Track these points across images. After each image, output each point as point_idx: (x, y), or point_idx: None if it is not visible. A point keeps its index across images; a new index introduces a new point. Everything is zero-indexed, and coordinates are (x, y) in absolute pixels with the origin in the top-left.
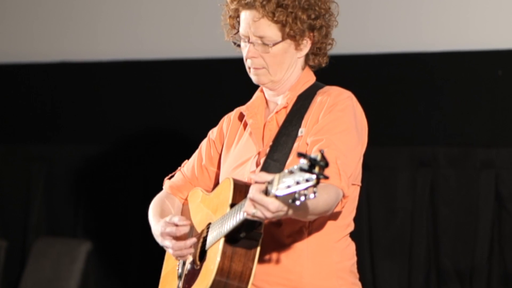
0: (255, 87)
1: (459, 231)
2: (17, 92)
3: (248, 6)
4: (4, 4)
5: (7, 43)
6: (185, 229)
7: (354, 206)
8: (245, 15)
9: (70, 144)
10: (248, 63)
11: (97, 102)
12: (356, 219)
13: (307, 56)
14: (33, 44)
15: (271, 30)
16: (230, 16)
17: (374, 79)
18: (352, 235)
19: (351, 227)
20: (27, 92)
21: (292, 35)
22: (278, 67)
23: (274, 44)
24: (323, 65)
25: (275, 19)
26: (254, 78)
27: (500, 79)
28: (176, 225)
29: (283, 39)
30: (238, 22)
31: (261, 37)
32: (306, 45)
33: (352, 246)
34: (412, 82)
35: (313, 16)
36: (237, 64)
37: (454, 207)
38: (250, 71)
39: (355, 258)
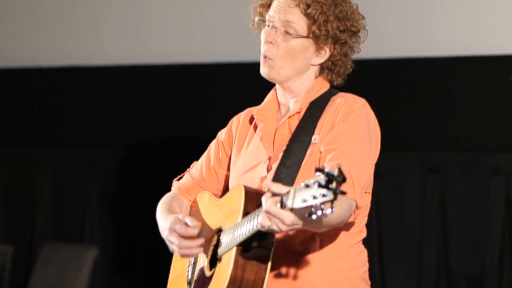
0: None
1: (469, 237)
2: (23, 97)
3: None
4: (9, 9)
5: (12, 47)
6: (194, 231)
7: (366, 213)
8: (279, 1)
9: (76, 149)
10: (262, 50)
11: (102, 106)
12: (365, 225)
13: (322, 69)
14: (38, 48)
15: (299, 22)
16: (261, 5)
17: (384, 83)
18: (362, 240)
19: (363, 233)
20: (33, 97)
21: (317, 35)
22: (288, 62)
23: (297, 36)
24: (335, 83)
25: (308, 11)
26: (261, 70)
27: (511, 84)
28: (187, 225)
29: (307, 35)
30: (267, 11)
31: (286, 26)
32: (324, 55)
33: (364, 253)
34: (422, 87)
35: (342, 28)
36: (242, 68)
37: (464, 213)
38: (261, 62)
39: (367, 266)
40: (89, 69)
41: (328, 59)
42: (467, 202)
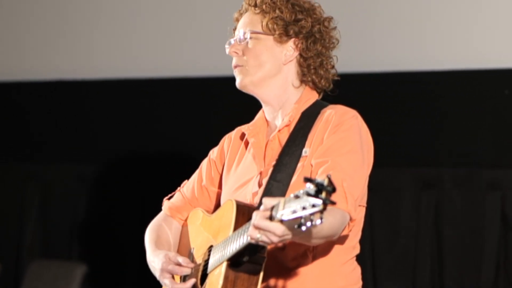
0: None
1: (464, 253)
2: (11, 111)
3: (245, 11)
4: None
5: (0, 61)
6: (187, 271)
7: (359, 228)
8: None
9: (65, 164)
10: (233, 62)
11: (92, 120)
12: (359, 241)
13: (303, 75)
14: (26, 62)
15: (253, 22)
16: (234, 28)
17: (378, 98)
18: (355, 256)
19: (357, 249)
20: (21, 111)
21: (270, 27)
22: (257, 64)
23: (253, 33)
24: (319, 85)
25: (258, 9)
26: (236, 82)
27: (507, 98)
28: (179, 265)
29: (263, 30)
30: None
31: (242, 32)
32: (292, 51)
33: (358, 270)
34: (417, 101)
35: (299, 17)
36: (234, 82)
37: (459, 229)
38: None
39: (360, 283)
40: (78, 83)
41: (300, 56)
42: (462, 218)
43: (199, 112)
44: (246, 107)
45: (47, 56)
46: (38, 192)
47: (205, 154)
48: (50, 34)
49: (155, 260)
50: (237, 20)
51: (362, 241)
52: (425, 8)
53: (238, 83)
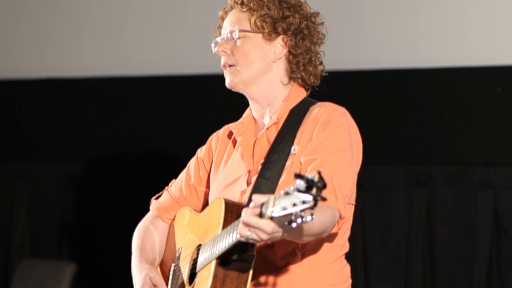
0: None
1: (456, 252)
2: (0, 109)
3: (231, 8)
4: None
5: None
6: None
7: (348, 226)
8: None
9: (55, 163)
10: (221, 61)
11: (82, 119)
12: (350, 240)
13: (292, 72)
14: (16, 59)
15: (240, 20)
16: (218, 26)
17: (369, 95)
18: (346, 255)
19: (346, 248)
20: (11, 109)
21: (259, 25)
22: (247, 62)
23: (241, 32)
24: (308, 81)
25: (245, 7)
26: (226, 81)
27: (499, 96)
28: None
29: (252, 28)
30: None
31: (230, 31)
32: (280, 48)
33: (347, 268)
34: (408, 99)
35: (287, 14)
36: (222, 80)
37: (451, 228)
38: (224, 73)
39: (349, 281)
40: (67, 81)
41: (289, 53)
42: (454, 216)
43: (188, 110)
44: (234, 105)
45: (36, 54)
46: (27, 191)
47: (194, 153)
48: (38, 31)
49: (136, 277)
50: (222, 18)
51: (353, 240)
52: (417, 5)
53: (228, 83)
